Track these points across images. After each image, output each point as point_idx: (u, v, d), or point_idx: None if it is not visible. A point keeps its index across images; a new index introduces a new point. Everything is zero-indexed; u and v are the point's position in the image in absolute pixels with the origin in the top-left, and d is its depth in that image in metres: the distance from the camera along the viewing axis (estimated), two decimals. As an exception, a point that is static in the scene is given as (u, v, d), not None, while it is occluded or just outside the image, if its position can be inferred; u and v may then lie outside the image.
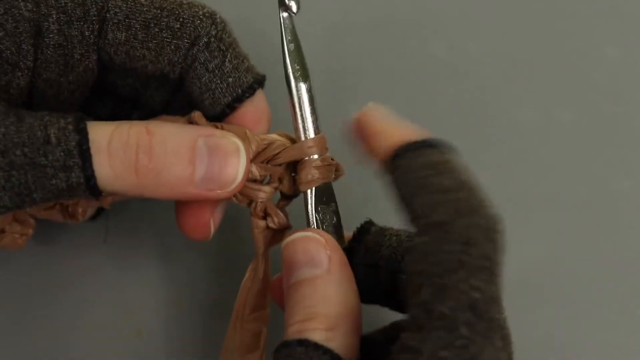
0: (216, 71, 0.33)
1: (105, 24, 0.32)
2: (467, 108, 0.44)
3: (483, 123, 0.44)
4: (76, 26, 0.32)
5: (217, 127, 0.33)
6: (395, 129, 0.32)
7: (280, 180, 0.34)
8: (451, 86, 0.44)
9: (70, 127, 0.30)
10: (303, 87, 0.33)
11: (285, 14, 0.34)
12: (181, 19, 0.33)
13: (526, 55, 0.45)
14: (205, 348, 0.38)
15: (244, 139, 0.33)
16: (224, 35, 0.33)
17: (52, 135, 0.30)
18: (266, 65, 0.35)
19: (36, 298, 0.38)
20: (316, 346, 0.28)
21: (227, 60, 0.33)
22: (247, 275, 0.35)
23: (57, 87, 0.34)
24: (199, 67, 0.33)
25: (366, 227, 0.34)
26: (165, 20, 0.33)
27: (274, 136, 0.34)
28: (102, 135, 0.31)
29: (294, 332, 0.29)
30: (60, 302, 0.36)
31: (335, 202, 0.34)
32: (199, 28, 0.33)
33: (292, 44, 0.33)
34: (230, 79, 0.34)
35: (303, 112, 0.33)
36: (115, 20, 0.33)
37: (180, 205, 0.35)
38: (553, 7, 0.46)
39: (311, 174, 0.33)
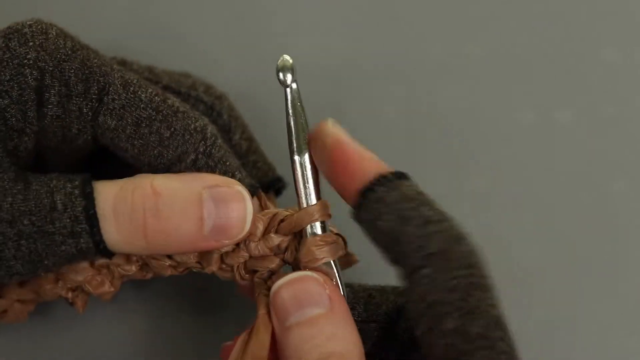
0: None
1: (101, 106, 0.32)
2: (465, 109, 0.44)
3: (481, 124, 0.44)
4: (75, 102, 0.32)
5: None
6: (366, 159, 0.31)
7: (286, 249, 0.33)
8: (449, 88, 0.44)
9: (77, 191, 0.30)
10: (306, 159, 0.33)
11: (288, 88, 0.33)
12: (172, 129, 0.32)
13: (524, 57, 0.45)
14: (205, 349, 0.38)
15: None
16: (213, 150, 0.33)
17: (58, 201, 0.30)
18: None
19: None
20: None
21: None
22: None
23: (60, 153, 0.33)
24: None
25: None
26: (157, 125, 0.32)
27: (280, 210, 0.34)
28: (106, 199, 0.31)
29: None
30: (60, 302, 0.37)
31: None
32: (187, 144, 0.32)
33: (293, 117, 0.32)
34: None
35: (306, 182, 0.32)
36: (110, 106, 0.32)
37: None
38: (551, 9, 0.46)
39: (312, 253, 0.32)
